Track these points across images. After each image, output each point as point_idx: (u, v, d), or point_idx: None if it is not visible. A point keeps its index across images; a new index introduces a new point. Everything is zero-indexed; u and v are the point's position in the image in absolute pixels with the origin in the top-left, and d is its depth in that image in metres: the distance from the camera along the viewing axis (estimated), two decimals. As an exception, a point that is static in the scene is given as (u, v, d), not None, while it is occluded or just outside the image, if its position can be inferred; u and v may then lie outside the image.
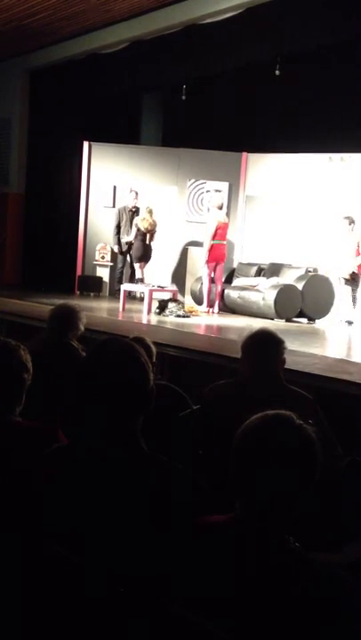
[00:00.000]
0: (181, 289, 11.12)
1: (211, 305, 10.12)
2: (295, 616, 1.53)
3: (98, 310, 9.47)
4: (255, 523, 1.63)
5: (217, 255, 10.03)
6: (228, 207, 11.56)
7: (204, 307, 10.12)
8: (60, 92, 11.58)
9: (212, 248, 9.96)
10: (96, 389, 1.86)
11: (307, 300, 9.66)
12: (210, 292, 10.12)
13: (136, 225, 10.66)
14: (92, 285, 11.65)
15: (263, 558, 1.59)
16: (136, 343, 2.00)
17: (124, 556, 1.71)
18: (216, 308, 10.09)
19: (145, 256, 10.83)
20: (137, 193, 11.10)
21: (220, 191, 11.52)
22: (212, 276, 10.11)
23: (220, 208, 10.22)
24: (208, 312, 10.01)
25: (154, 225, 10.60)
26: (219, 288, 10.15)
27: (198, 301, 10.47)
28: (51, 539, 1.70)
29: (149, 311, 9.45)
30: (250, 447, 1.66)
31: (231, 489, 1.69)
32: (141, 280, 10.70)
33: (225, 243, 10.15)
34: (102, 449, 1.83)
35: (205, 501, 1.84)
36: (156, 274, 11.21)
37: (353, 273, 9.36)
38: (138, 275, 10.92)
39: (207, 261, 10.01)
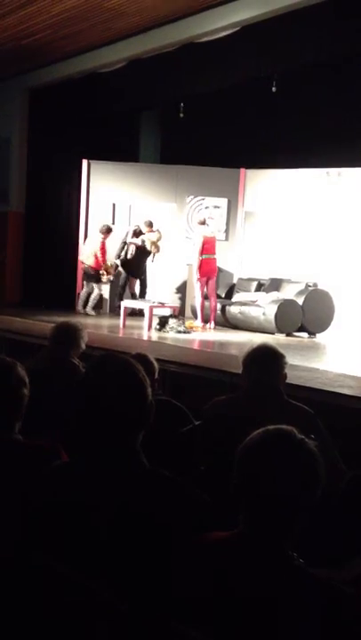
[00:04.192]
0: (182, 305, 11.16)
1: (206, 320, 10.10)
2: (299, 632, 1.52)
3: (98, 327, 9.48)
4: (258, 539, 1.62)
5: (207, 270, 10.05)
6: (228, 223, 11.61)
7: (198, 322, 10.09)
8: (59, 110, 11.66)
9: (201, 263, 10.00)
10: (95, 406, 1.86)
11: (307, 315, 9.67)
12: (203, 307, 10.12)
13: (143, 241, 10.88)
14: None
15: (267, 574, 1.59)
16: (139, 360, 2.00)
17: (127, 573, 1.71)
18: (212, 324, 10.07)
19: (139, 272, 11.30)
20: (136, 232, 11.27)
21: (218, 207, 11.58)
22: (205, 291, 10.13)
23: (203, 223, 10.28)
24: (203, 327, 9.99)
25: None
26: (213, 303, 10.15)
27: (196, 317, 10.48)
28: (52, 557, 1.70)
29: (150, 327, 9.46)
30: (252, 463, 1.66)
31: (234, 505, 1.69)
32: (135, 295, 11.05)
33: (214, 257, 10.16)
34: (103, 465, 1.83)
35: (208, 517, 1.84)
36: (156, 290, 11.26)
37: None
38: (135, 290, 11.27)
39: (198, 277, 10.04)
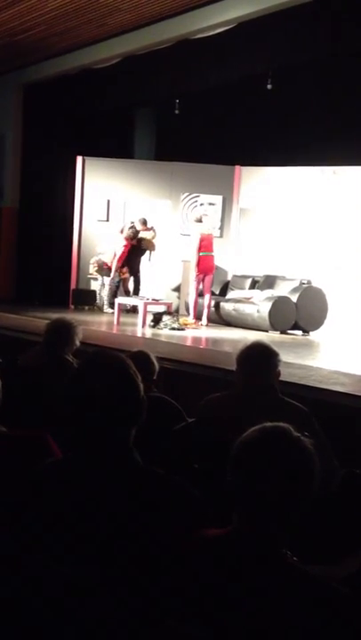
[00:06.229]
0: (178, 302, 11.17)
1: (199, 317, 10.10)
2: (293, 630, 1.52)
3: (92, 324, 9.48)
4: (253, 536, 1.62)
5: (205, 267, 10.07)
6: (222, 220, 11.61)
7: (191, 319, 10.09)
8: (53, 106, 11.64)
9: (199, 261, 10.02)
10: (86, 402, 1.86)
11: (301, 312, 9.68)
12: (197, 304, 10.12)
13: (139, 239, 10.98)
14: (86, 299, 11.65)
15: (261, 572, 1.59)
16: (140, 357, 2.00)
17: (121, 571, 1.71)
18: (205, 320, 10.06)
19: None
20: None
21: (213, 204, 11.58)
22: (201, 288, 10.14)
23: (199, 221, 10.30)
24: (196, 324, 9.98)
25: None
26: (208, 300, 10.16)
27: (189, 314, 10.48)
28: (46, 554, 1.70)
29: (144, 324, 9.46)
30: (248, 460, 1.65)
31: (228, 502, 1.69)
32: (129, 292, 11.18)
33: (212, 254, 10.18)
34: (96, 462, 1.83)
35: (202, 515, 1.84)
36: (151, 287, 11.26)
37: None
38: (128, 287, 11.39)
39: (196, 275, 10.06)
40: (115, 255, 10.92)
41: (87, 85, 11.08)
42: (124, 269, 11.19)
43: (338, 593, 1.56)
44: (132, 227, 11.08)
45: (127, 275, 11.30)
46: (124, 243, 10.89)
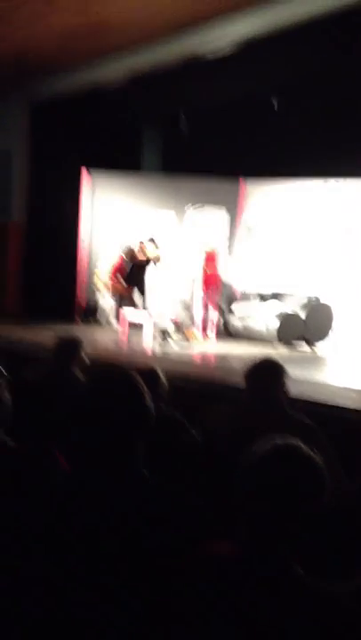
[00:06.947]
0: (185, 317, 11.16)
1: (207, 332, 10.09)
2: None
3: (99, 339, 9.48)
4: (262, 551, 1.61)
5: (210, 282, 10.11)
6: (228, 235, 11.63)
7: (199, 334, 10.09)
8: (60, 123, 11.71)
9: (204, 276, 10.06)
10: (94, 416, 1.86)
11: (309, 328, 9.67)
12: (205, 319, 10.14)
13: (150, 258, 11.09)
14: (92, 313, 11.67)
15: (269, 586, 1.58)
16: (147, 373, 2.00)
17: (126, 582, 1.70)
18: (212, 335, 10.06)
19: None
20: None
21: (219, 219, 11.60)
22: (208, 303, 10.16)
23: (203, 236, 10.37)
24: (204, 338, 9.99)
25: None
26: (214, 315, 10.16)
27: (197, 329, 10.48)
28: (53, 566, 1.69)
29: (151, 339, 9.45)
30: (259, 476, 1.65)
31: (236, 517, 1.68)
32: (136, 305, 11.06)
33: (217, 269, 10.20)
34: (103, 477, 1.82)
35: (209, 528, 1.83)
36: (158, 302, 11.25)
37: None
38: (134, 299, 11.31)
39: (202, 290, 10.08)
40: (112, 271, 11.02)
41: (94, 102, 11.15)
42: (122, 284, 11.20)
43: (347, 609, 1.55)
44: (141, 247, 11.13)
45: (125, 290, 11.30)
46: (119, 260, 10.95)
